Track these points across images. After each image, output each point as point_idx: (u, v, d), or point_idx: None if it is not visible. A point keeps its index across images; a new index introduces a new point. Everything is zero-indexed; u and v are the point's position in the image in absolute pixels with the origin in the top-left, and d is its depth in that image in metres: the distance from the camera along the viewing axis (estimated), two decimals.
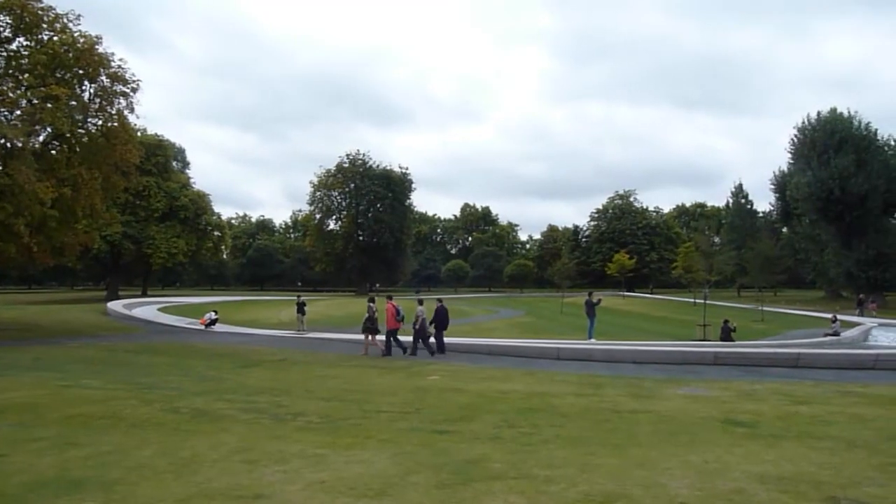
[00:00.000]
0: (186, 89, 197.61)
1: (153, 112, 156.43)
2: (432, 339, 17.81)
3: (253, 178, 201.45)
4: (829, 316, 31.03)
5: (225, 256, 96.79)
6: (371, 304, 17.73)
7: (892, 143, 58.42)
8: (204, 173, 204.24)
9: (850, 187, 51.16)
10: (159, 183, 59.98)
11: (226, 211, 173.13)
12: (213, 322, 27.09)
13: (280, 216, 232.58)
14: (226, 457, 5.42)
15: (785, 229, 71.77)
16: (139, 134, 33.24)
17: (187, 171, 74.03)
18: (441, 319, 18.13)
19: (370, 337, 17.51)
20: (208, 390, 9.96)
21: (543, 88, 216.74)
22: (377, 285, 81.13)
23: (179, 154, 73.96)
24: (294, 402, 8.93)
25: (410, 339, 17.84)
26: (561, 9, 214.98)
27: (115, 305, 38.83)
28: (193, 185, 67.53)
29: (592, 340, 20.61)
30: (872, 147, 54.72)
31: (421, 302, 18.50)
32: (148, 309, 39.12)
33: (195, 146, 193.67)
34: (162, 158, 61.96)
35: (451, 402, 9.30)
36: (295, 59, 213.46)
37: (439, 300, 19.14)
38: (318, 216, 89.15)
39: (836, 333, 25.56)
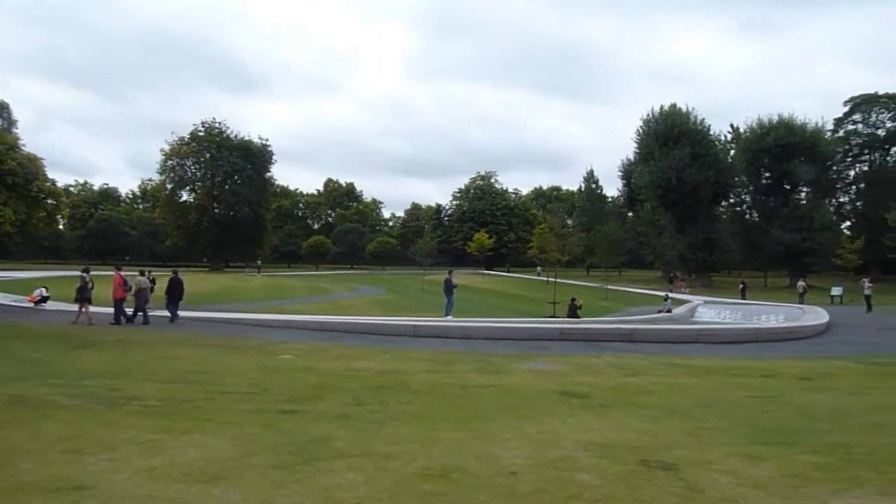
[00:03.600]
0: (3, 36, 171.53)
1: None
2: (157, 313, 19.18)
3: (90, 142, 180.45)
4: (662, 294, 34.06)
5: (61, 227, 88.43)
6: (84, 275, 18.65)
7: (722, 139, 65.08)
8: (32, 134, 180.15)
9: (685, 177, 56.13)
10: None
11: (62, 177, 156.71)
12: (44, 300, 24.60)
13: (126, 185, 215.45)
14: (45, 447, 5.03)
15: (630, 214, 77.38)
16: None
17: (15, 130, 66.48)
18: (173, 289, 19.30)
19: (83, 306, 18.06)
20: (31, 374, 9.11)
21: (405, 65, 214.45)
22: (259, 262, 76.30)
23: (4, 111, 66.21)
24: (130, 386, 8.41)
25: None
26: None
27: None
28: (23, 148, 60.77)
29: (449, 318, 21.13)
30: (705, 141, 60.40)
31: (142, 273, 20.14)
32: None
33: (19, 103, 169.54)
34: None
35: (300, 382, 9.19)
36: (132, 12, 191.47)
37: (174, 272, 20.53)
38: (169, 186, 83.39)
39: (668, 311, 28.16)
